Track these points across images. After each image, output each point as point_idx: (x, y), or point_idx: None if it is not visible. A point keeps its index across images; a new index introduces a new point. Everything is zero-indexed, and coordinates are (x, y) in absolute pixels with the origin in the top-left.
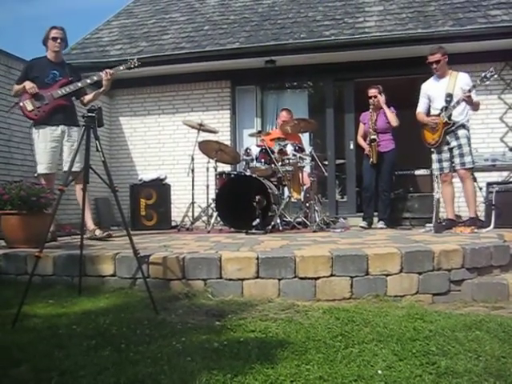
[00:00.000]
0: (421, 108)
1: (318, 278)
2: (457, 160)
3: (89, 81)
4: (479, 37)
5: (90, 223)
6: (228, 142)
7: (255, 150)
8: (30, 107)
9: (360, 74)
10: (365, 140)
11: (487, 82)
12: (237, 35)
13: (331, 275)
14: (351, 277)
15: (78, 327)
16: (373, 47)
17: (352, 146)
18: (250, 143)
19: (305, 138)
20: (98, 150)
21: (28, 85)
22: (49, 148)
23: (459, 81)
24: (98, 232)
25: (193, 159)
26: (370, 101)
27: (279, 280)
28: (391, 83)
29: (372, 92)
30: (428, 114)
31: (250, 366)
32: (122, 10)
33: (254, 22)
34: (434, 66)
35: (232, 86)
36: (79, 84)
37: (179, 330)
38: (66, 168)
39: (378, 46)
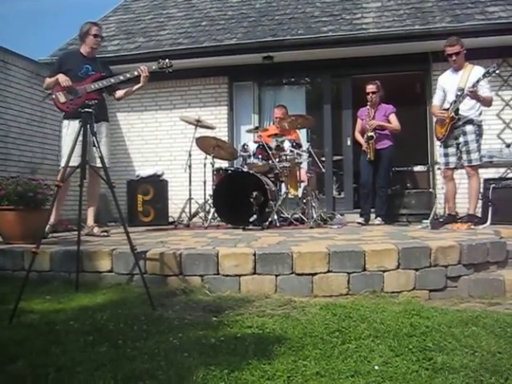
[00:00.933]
0: (436, 101)
1: (315, 274)
2: (464, 157)
3: (122, 77)
4: (477, 33)
5: (90, 220)
6: (225, 138)
7: (252, 146)
8: (62, 99)
9: (358, 71)
10: (362, 136)
11: (489, 77)
12: (234, 31)
13: (328, 271)
14: (348, 273)
15: (75, 323)
16: (371, 43)
17: (349, 143)
18: (248, 139)
19: (302, 134)
20: (94, 146)
21: (62, 77)
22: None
23: (473, 74)
24: (95, 230)
25: (190, 155)
26: (368, 97)
27: (276, 276)
28: (389, 79)
29: (370, 88)
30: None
31: (246, 362)
32: (119, 5)
33: (251, 18)
34: (454, 57)
35: (229, 82)
36: (112, 80)
37: (176, 325)
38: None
39: (375, 43)
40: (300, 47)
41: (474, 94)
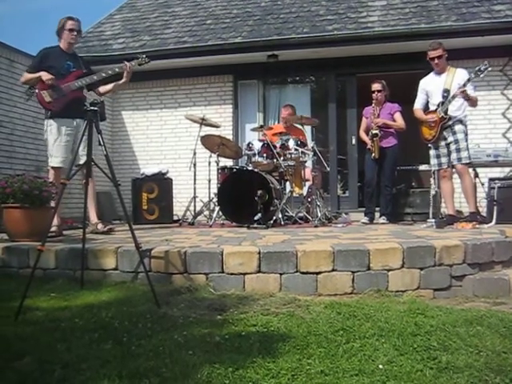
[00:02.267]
0: (418, 104)
1: (320, 272)
2: (454, 155)
3: (104, 74)
4: (482, 32)
5: (93, 217)
6: (230, 137)
7: (257, 145)
8: (48, 98)
9: (363, 69)
10: (367, 135)
11: (482, 76)
12: (239, 29)
13: (333, 270)
14: (353, 272)
15: (81, 320)
16: (376, 42)
17: (354, 141)
18: (252, 138)
19: (307, 132)
20: (100, 144)
21: (46, 76)
22: (64, 141)
23: (457, 76)
24: (99, 226)
25: (195, 153)
26: (373, 95)
27: (281, 274)
28: (394, 78)
29: (375, 86)
30: (426, 109)
31: (251, 360)
32: (124, 3)
33: (256, 17)
34: (436, 61)
35: (234, 80)
36: (95, 77)
37: (181, 323)
38: (81, 161)
39: (380, 41)
40: (305, 46)
41: (464, 94)
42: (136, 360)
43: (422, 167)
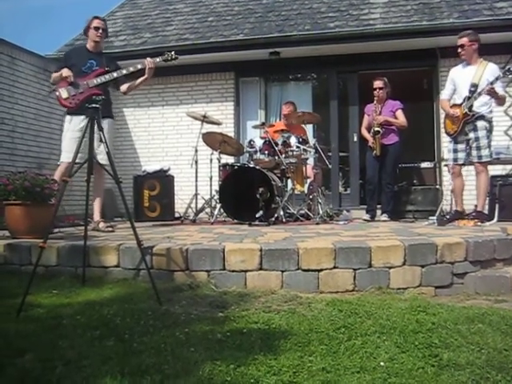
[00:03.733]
0: (445, 95)
1: (321, 270)
2: (474, 153)
3: (125, 71)
4: (485, 29)
5: (96, 215)
6: (232, 134)
7: (259, 142)
8: (65, 95)
9: (364, 66)
10: (369, 132)
11: (510, 76)
12: (241, 26)
13: (334, 267)
14: (354, 269)
15: (82, 317)
16: (377, 39)
17: (356, 139)
18: (254, 135)
19: (308, 130)
20: (101, 141)
21: (65, 72)
22: (76, 137)
23: (487, 71)
24: (101, 225)
25: (196, 151)
26: (375, 92)
27: (282, 272)
28: (396, 75)
29: (377, 84)
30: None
31: (252, 357)
32: (126, 0)
33: (258, 14)
34: (459, 50)
35: (236, 77)
36: (114, 74)
37: (183, 320)
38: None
39: (382, 38)
40: (306, 43)
41: (492, 92)
42: (138, 357)
43: (424, 164)
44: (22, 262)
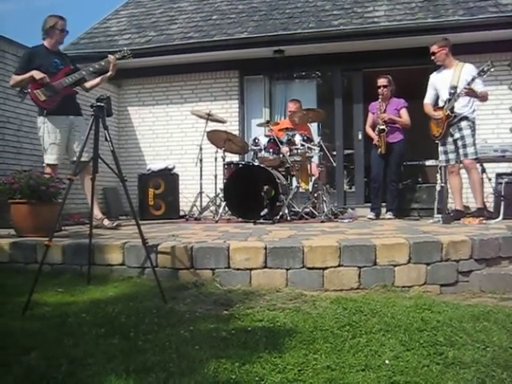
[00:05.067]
0: (428, 99)
1: (326, 268)
2: (461, 151)
3: (91, 69)
4: (490, 26)
5: (97, 212)
6: (236, 132)
7: (263, 140)
8: (42, 97)
9: (369, 64)
10: (373, 130)
11: (484, 76)
12: (245, 25)
13: (339, 265)
14: (359, 267)
15: (87, 315)
16: (382, 37)
17: (360, 137)
18: (259, 133)
19: (313, 128)
20: (106, 140)
21: (38, 74)
22: (59, 138)
23: (464, 72)
24: (106, 222)
25: (201, 149)
26: (379, 90)
27: (287, 270)
28: (400, 73)
29: (381, 82)
30: (436, 104)
31: (257, 355)
32: None
33: (262, 12)
34: (432, 57)
35: (240, 75)
36: (83, 72)
37: (187, 318)
38: (74, 158)
39: (387, 36)
40: (311, 41)
41: (470, 92)
42: (143, 355)
43: (429, 162)
44: (27, 261)
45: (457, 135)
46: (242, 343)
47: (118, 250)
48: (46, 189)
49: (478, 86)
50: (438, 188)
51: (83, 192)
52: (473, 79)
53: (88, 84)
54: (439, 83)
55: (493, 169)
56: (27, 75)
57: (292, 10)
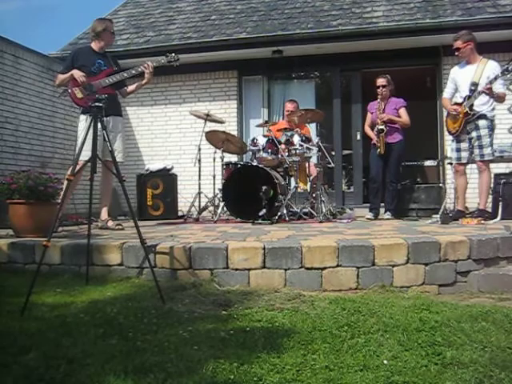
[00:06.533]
0: (446, 93)
1: (325, 268)
2: (476, 151)
3: (134, 71)
4: (488, 27)
5: (104, 213)
6: (235, 132)
7: (262, 140)
8: (80, 95)
9: (367, 64)
10: (372, 130)
11: (508, 75)
12: (244, 25)
13: (337, 265)
14: (357, 267)
15: (86, 316)
16: (380, 37)
17: (359, 137)
18: (257, 133)
19: (311, 128)
20: (105, 140)
21: (77, 73)
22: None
23: (487, 69)
24: (110, 223)
25: (199, 149)
26: (378, 90)
27: (285, 270)
28: (399, 73)
29: (380, 81)
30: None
31: (256, 355)
32: None
33: (261, 12)
34: (456, 52)
35: (239, 76)
36: (125, 74)
37: (186, 319)
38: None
39: (385, 36)
40: (309, 41)
41: (490, 91)
42: (141, 355)
43: (428, 163)
44: (25, 261)
45: (473, 134)
46: (240, 343)
47: (117, 251)
48: (44, 189)
49: (498, 86)
50: (452, 186)
51: (84, 192)
52: (495, 78)
53: (129, 88)
54: (460, 78)
55: (491, 169)
56: (68, 74)
57: (291, 11)
